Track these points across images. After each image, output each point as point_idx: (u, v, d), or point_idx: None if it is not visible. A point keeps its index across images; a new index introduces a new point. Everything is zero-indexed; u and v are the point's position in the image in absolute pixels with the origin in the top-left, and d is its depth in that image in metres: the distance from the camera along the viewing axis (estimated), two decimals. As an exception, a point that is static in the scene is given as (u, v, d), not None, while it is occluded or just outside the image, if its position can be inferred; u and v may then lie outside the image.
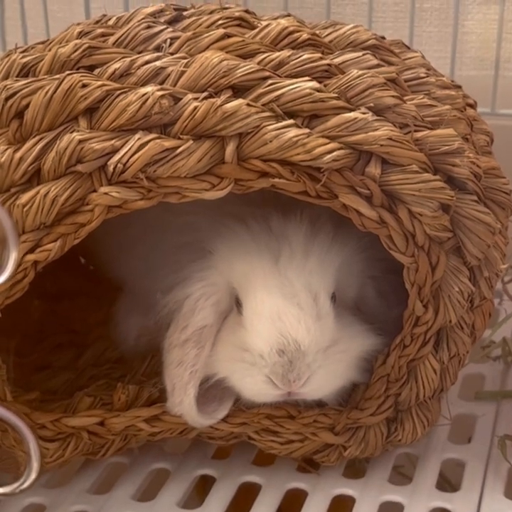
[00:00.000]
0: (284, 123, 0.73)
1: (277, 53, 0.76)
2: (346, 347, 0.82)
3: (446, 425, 0.95)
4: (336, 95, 0.74)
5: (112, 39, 0.78)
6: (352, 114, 0.73)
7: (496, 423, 0.96)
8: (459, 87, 0.86)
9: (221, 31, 0.77)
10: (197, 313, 0.83)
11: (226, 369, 0.83)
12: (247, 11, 0.81)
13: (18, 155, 0.74)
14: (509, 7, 1.26)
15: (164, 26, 0.79)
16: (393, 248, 0.78)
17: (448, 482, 0.93)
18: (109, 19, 0.83)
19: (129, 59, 0.75)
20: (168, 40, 0.77)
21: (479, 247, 0.78)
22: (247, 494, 0.89)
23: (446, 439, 0.94)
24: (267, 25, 0.78)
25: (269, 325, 0.79)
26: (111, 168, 0.72)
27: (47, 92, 0.74)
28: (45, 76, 0.76)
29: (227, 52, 0.75)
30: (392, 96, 0.75)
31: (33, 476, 0.69)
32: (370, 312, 0.87)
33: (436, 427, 0.94)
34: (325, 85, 0.75)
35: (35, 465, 0.69)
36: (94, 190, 0.74)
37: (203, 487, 0.91)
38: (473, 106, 0.87)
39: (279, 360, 0.78)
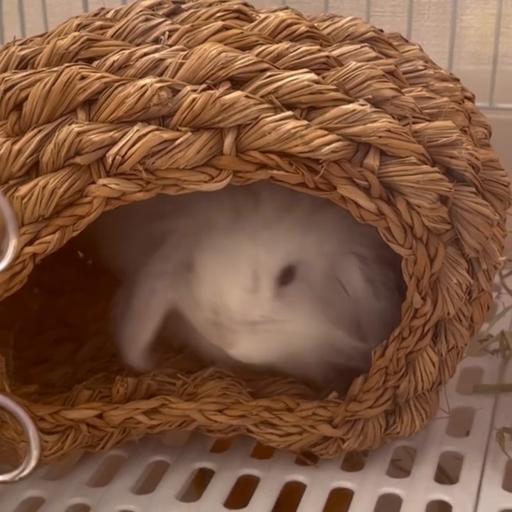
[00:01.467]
0: (282, 115, 0.73)
1: (276, 45, 0.76)
2: (283, 326, 0.83)
3: (445, 418, 0.95)
4: (335, 87, 0.74)
5: (110, 31, 0.78)
6: (350, 106, 0.73)
7: (494, 416, 0.96)
8: (457, 79, 0.86)
9: (219, 23, 0.76)
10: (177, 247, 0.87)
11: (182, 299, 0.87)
12: (245, 4, 0.81)
13: (16, 147, 0.74)
14: (507, 2, 1.27)
15: (162, 19, 0.79)
16: (391, 240, 0.78)
17: (446, 475, 0.92)
18: (108, 12, 0.83)
19: (127, 51, 0.75)
20: (167, 33, 0.77)
21: (477, 239, 0.78)
22: (245, 487, 0.89)
23: (445, 432, 0.94)
24: (265, 18, 0.78)
25: (208, 285, 0.83)
26: (109, 160, 0.72)
27: (45, 84, 0.73)
28: (44, 68, 0.76)
29: (225, 45, 0.75)
30: (391, 88, 0.75)
31: (33, 463, 0.69)
32: (355, 296, 0.86)
33: (435, 420, 0.94)
34: (323, 77, 0.75)
35: (34, 452, 0.69)
36: (93, 182, 0.74)
37: (202, 480, 0.91)
38: (471, 99, 0.87)
39: (211, 317, 0.83)
